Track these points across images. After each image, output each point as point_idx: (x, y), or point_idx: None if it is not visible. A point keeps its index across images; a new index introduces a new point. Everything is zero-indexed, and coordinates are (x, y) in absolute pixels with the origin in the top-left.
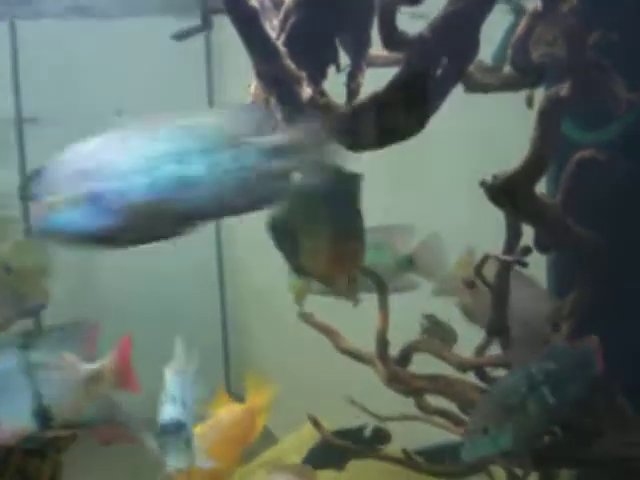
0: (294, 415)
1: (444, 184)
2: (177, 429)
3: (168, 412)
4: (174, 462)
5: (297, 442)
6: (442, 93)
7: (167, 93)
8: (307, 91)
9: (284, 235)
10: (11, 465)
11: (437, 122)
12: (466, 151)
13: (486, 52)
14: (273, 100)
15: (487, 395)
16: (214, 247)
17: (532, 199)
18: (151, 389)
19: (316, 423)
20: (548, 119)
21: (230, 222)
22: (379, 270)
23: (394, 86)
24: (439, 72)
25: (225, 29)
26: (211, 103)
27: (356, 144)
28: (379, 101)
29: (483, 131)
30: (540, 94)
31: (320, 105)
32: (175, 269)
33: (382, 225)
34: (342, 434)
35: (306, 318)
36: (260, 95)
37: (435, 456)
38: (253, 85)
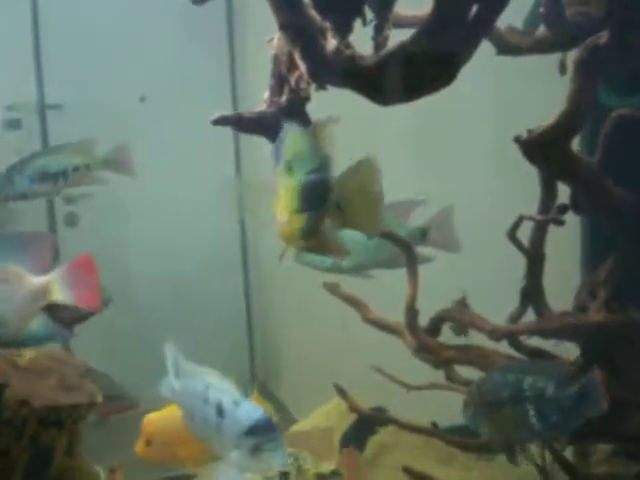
0: (319, 398)
1: (467, 156)
2: (273, 425)
3: (253, 411)
4: (281, 460)
5: (322, 419)
6: (473, 41)
7: (187, 62)
8: (332, 42)
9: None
10: (26, 435)
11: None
12: (490, 123)
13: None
14: (296, 53)
15: (485, 377)
16: (238, 230)
17: (568, 155)
18: None
19: (342, 392)
20: (586, 70)
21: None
22: (390, 245)
23: (422, 35)
24: (470, 18)
25: None
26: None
27: (383, 97)
28: (406, 51)
29: (508, 102)
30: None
31: (345, 57)
32: (199, 253)
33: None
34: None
35: (331, 288)
36: (283, 47)
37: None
38: (276, 37)
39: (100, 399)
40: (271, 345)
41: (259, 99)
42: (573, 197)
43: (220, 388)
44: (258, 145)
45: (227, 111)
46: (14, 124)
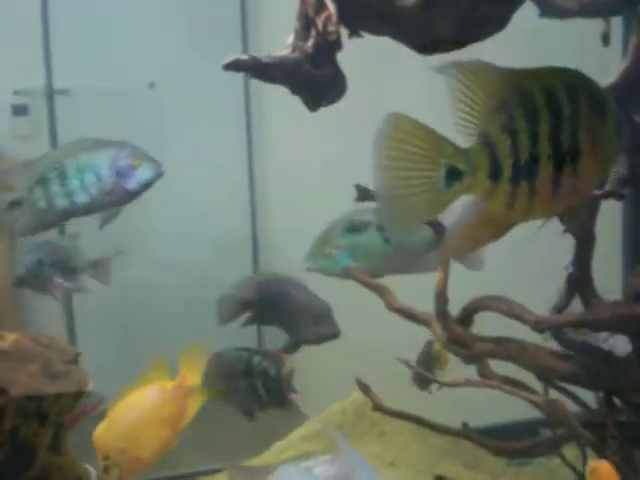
0: (331, 393)
1: None
2: None
3: None
4: None
5: (338, 416)
6: None
7: (198, 48)
8: None
9: None
10: (3, 428)
11: None
12: None
13: None
14: None
15: (222, 350)
16: (249, 218)
17: (630, 121)
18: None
19: (365, 388)
20: None
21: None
22: (406, 250)
23: None
24: None
25: None
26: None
27: (429, 43)
28: None
29: None
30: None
31: None
32: (209, 240)
33: None
34: None
35: (354, 273)
36: None
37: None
38: None
39: (91, 387)
40: (280, 333)
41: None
42: (633, 169)
43: None
44: (269, 128)
45: (243, 55)
46: (21, 110)
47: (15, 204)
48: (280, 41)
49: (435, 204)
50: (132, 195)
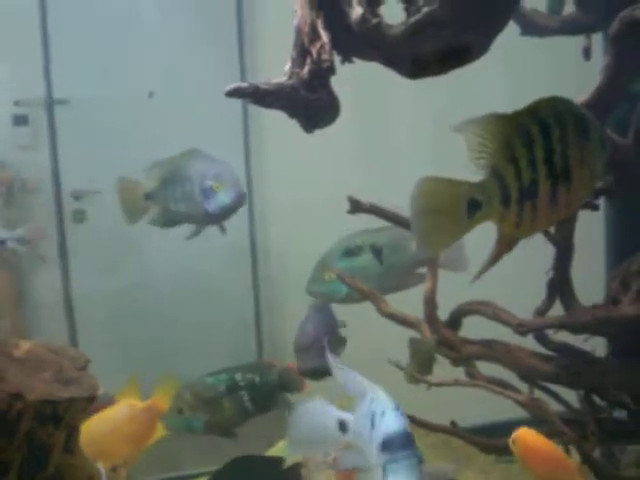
0: (329, 395)
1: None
2: (408, 441)
3: (392, 423)
4: None
5: None
6: (509, 6)
7: (196, 58)
8: (357, 10)
9: None
10: (20, 431)
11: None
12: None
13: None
14: (319, 22)
15: (188, 384)
16: (247, 226)
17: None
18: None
19: None
20: (621, 44)
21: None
22: (397, 269)
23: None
24: None
25: None
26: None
27: (415, 70)
28: (435, 18)
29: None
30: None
31: (370, 26)
32: (209, 247)
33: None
34: None
35: (346, 280)
36: (306, 17)
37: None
38: (298, 4)
39: (101, 392)
40: (280, 342)
41: None
42: (607, 183)
43: (380, 399)
44: (266, 139)
45: (243, 83)
46: (22, 120)
47: (149, 197)
48: (275, 51)
49: (460, 232)
50: (214, 216)
